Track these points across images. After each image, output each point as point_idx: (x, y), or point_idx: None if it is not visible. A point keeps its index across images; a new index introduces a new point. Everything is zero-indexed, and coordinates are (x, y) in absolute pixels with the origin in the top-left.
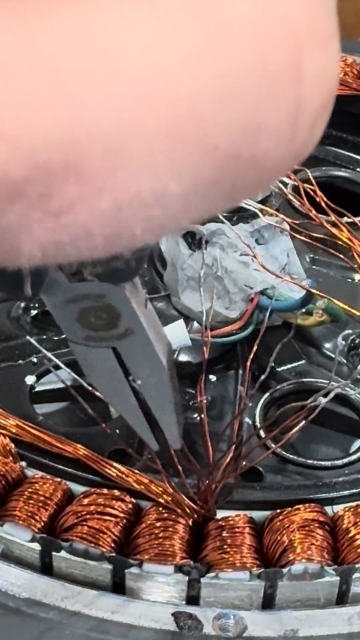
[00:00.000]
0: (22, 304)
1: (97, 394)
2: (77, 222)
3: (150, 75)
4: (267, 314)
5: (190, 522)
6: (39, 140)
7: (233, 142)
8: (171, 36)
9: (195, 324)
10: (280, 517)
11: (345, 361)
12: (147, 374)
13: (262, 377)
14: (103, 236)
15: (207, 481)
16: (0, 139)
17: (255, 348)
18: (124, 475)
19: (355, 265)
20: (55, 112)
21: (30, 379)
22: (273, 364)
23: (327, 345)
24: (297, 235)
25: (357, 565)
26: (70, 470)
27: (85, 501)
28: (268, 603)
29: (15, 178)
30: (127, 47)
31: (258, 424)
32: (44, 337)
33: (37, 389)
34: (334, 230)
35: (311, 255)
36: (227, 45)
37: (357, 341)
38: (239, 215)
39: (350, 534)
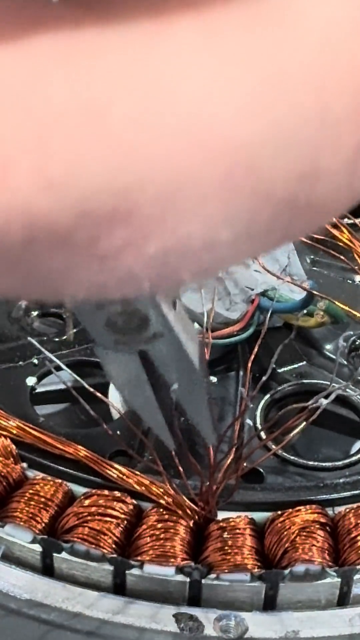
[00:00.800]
0: (23, 305)
1: (99, 395)
2: (123, 266)
3: (206, 122)
4: (268, 315)
5: (191, 524)
6: (88, 188)
7: (289, 189)
8: (229, 81)
9: (196, 325)
10: (281, 519)
11: (345, 362)
12: (179, 374)
13: (264, 378)
14: (149, 280)
15: (208, 482)
16: (48, 187)
17: (256, 349)
18: (124, 477)
19: (356, 267)
20: (106, 159)
21: (31, 380)
22: (274, 366)
23: (328, 346)
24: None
25: (358, 567)
26: (71, 471)
27: (86, 502)
28: (269, 604)
29: (63, 226)
30: (183, 93)
31: (259, 425)
32: (45, 338)
33: (37, 390)
34: (335, 232)
35: (312, 257)
36: (288, 92)
37: (357, 342)
38: None
39: (351, 535)
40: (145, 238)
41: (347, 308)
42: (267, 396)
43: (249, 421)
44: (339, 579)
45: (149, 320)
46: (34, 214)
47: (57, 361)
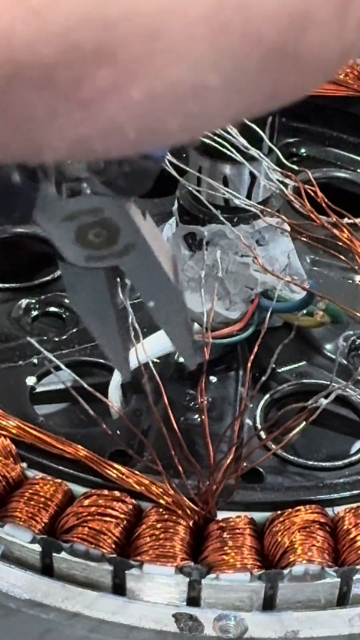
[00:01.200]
0: (23, 305)
1: (97, 394)
2: (108, 113)
3: None
4: (268, 314)
5: (190, 524)
6: (73, 18)
7: (279, 33)
8: None
9: (196, 325)
10: (281, 519)
11: (345, 362)
12: (153, 289)
13: (263, 378)
14: (135, 130)
15: (208, 482)
16: (31, 14)
17: (255, 349)
18: (124, 476)
19: (356, 267)
20: None
21: (30, 380)
22: (274, 365)
23: (328, 346)
24: (298, 237)
25: (357, 567)
26: (70, 471)
27: (86, 502)
28: (269, 604)
29: (46, 60)
30: None
31: (259, 425)
32: (45, 338)
33: (37, 390)
34: (335, 231)
35: (312, 257)
36: None
37: (357, 342)
38: (239, 216)
39: (351, 535)
40: (130, 80)
41: (346, 308)
42: (267, 396)
43: (248, 421)
44: (339, 579)
45: (119, 231)
46: (17, 45)
47: (56, 361)
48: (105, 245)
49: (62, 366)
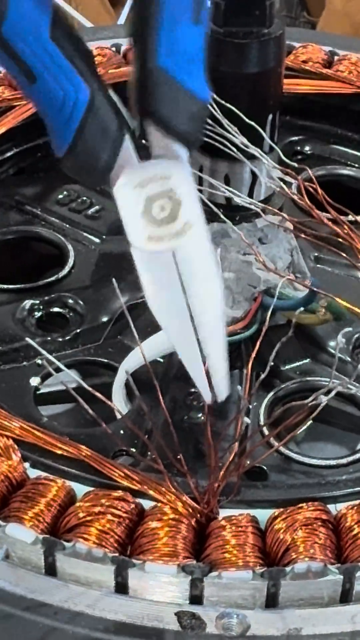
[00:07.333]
0: (27, 306)
1: (99, 395)
2: None
3: None
4: (270, 312)
5: (193, 522)
6: None
7: None
8: None
9: None
10: (284, 516)
11: (350, 359)
12: (199, 283)
13: (262, 376)
14: None
15: (210, 480)
16: None
17: (257, 347)
18: (127, 476)
19: (358, 263)
20: None
21: (34, 381)
22: (278, 363)
23: (332, 343)
24: (301, 235)
25: None
26: (73, 470)
27: (88, 502)
28: (271, 602)
29: None
30: None
31: (263, 424)
32: (49, 338)
33: (41, 391)
34: (336, 228)
35: (316, 254)
36: None
37: None
38: (241, 214)
39: (354, 532)
40: None
41: (349, 305)
42: (271, 394)
43: (247, 419)
44: (341, 576)
45: (181, 205)
46: None
47: (57, 362)
48: (167, 221)
49: (63, 367)
